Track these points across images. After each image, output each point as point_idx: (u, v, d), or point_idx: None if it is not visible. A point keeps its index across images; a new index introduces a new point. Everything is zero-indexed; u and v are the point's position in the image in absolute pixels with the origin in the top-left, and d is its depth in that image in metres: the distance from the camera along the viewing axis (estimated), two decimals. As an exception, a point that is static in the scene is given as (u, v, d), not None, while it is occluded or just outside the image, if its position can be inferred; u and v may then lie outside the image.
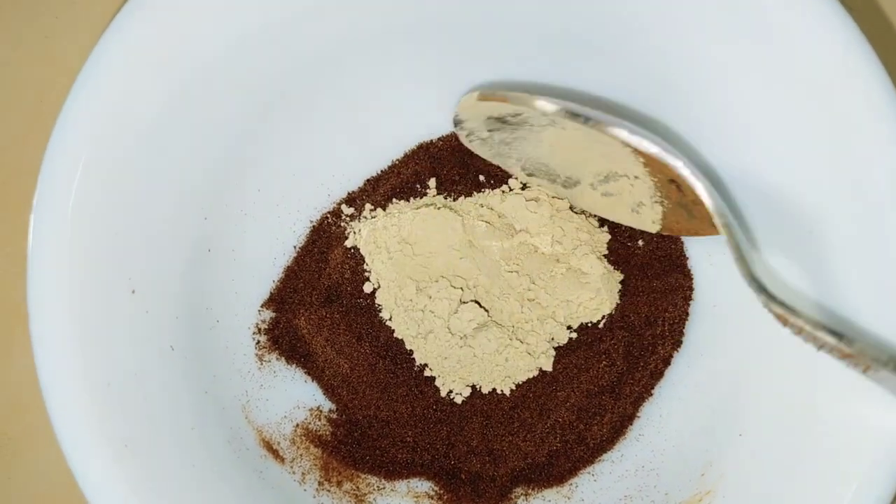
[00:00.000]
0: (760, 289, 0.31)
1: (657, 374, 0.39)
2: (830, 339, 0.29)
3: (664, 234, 0.38)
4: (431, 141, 0.40)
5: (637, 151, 0.33)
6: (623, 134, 0.33)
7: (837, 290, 0.32)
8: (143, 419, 0.32)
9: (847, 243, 0.32)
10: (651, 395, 0.39)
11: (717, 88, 0.34)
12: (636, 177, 0.35)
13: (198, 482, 0.33)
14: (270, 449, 0.37)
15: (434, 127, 0.40)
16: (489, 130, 0.37)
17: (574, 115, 0.33)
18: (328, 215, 0.40)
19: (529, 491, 0.39)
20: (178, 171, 0.35)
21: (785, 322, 0.30)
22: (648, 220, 0.38)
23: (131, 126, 0.33)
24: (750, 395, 0.35)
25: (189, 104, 0.34)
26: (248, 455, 0.36)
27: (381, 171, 0.40)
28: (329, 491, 0.38)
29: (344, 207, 0.40)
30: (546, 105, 0.34)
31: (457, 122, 0.37)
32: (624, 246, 0.39)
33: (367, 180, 0.40)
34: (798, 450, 0.32)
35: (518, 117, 0.35)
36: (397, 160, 0.40)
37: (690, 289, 0.39)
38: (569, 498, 0.38)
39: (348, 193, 0.40)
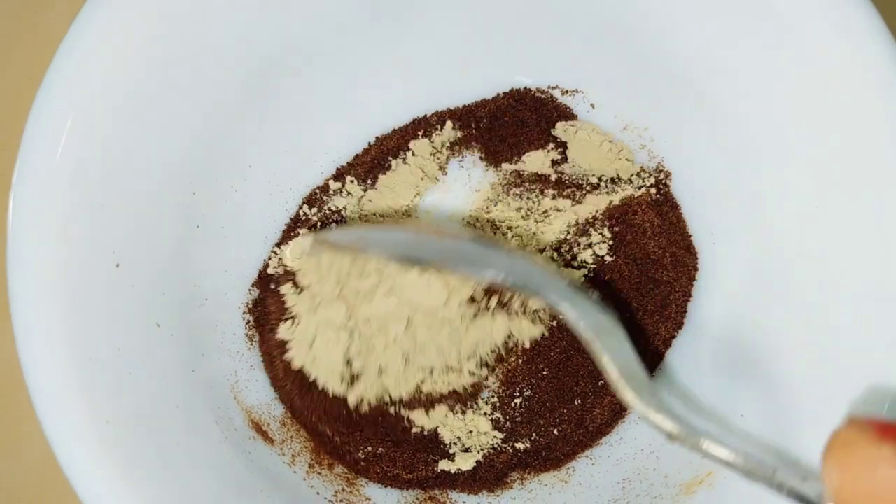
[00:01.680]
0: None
1: (658, 356, 0.38)
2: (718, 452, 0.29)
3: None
4: (425, 116, 0.39)
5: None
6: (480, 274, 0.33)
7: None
8: (127, 397, 0.31)
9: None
10: (651, 377, 0.38)
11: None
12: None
13: (183, 462, 0.32)
14: (260, 430, 0.36)
15: (429, 103, 0.39)
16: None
17: (409, 261, 0.34)
18: (317, 190, 0.39)
19: (526, 475, 0.38)
20: (163, 144, 0.34)
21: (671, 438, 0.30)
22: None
23: (114, 98, 0.32)
24: (751, 375, 0.34)
25: (175, 77, 0.33)
26: (237, 436, 0.35)
27: (370, 144, 0.39)
28: (320, 473, 0.37)
29: (331, 182, 0.39)
30: (380, 255, 0.34)
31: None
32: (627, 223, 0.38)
33: (356, 155, 0.39)
34: (801, 428, 0.31)
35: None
36: (385, 135, 0.39)
37: (695, 268, 0.38)
38: (566, 482, 0.37)
39: (337, 169, 0.39)
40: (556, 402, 0.38)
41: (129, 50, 0.32)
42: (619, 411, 0.38)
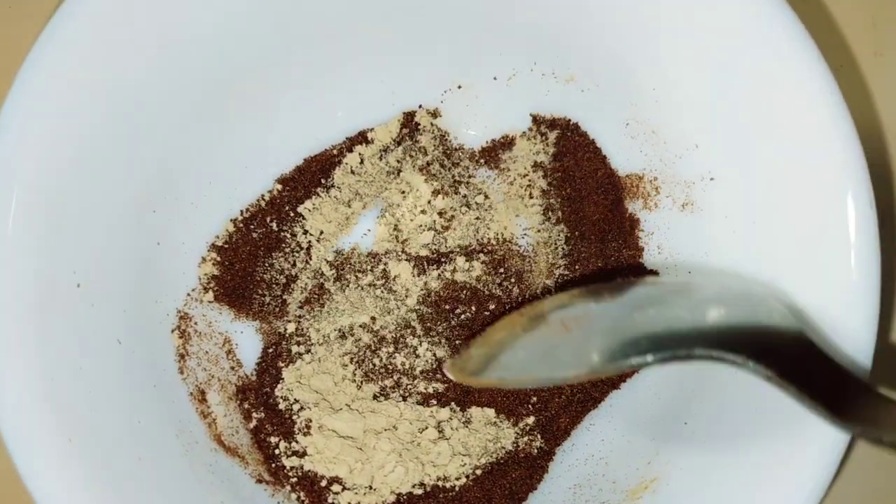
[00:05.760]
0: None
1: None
2: None
3: None
4: (373, 129, 0.40)
5: None
6: None
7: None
8: (89, 415, 0.32)
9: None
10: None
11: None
12: None
13: (144, 475, 0.33)
14: (221, 442, 0.37)
15: (381, 114, 0.40)
16: None
17: None
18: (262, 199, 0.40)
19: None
20: (124, 164, 0.34)
21: None
22: None
23: (73, 119, 0.32)
24: (696, 385, 0.35)
25: (135, 97, 0.34)
26: (198, 448, 0.36)
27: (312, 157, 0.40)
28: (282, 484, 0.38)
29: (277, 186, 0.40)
30: None
31: None
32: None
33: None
34: (741, 435, 0.33)
35: None
36: (336, 146, 0.40)
37: None
38: (519, 488, 0.38)
39: (281, 175, 0.40)
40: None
41: (86, 74, 0.32)
42: (577, 416, 0.39)
